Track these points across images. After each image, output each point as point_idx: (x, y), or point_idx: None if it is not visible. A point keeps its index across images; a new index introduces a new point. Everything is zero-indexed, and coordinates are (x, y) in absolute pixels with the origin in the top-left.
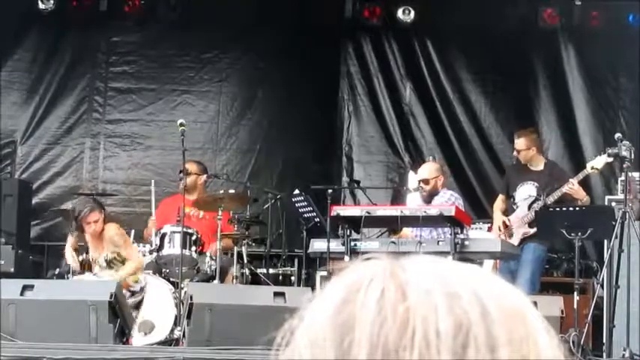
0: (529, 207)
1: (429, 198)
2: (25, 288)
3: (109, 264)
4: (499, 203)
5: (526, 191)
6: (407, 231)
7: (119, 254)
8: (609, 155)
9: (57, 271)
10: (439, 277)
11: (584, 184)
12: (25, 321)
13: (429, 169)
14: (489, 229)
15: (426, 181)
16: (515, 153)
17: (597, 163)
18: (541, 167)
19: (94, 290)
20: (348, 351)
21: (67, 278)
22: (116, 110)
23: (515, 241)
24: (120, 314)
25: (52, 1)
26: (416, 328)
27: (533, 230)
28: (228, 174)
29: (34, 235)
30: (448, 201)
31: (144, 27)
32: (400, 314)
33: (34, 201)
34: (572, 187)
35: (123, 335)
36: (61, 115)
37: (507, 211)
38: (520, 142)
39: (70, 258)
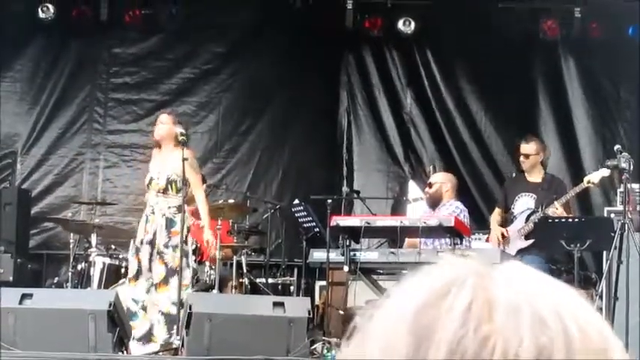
0: (527, 219)
1: (431, 203)
2: (24, 297)
3: (169, 185)
4: (496, 216)
5: (524, 203)
6: (414, 240)
7: (181, 180)
8: (608, 167)
9: (56, 280)
10: (528, 296)
11: (583, 195)
12: (24, 330)
13: (438, 174)
14: (487, 240)
15: (430, 185)
16: (521, 158)
17: (594, 177)
18: (539, 179)
19: (93, 299)
20: (424, 355)
21: (66, 287)
22: (116, 121)
23: (510, 252)
24: (119, 323)
25: (52, 11)
26: (496, 347)
27: (528, 243)
28: (227, 184)
29: (33, 244)
30: (453, 212)
31: (144, 37)
32: (483, 331)
33: (33, 210)
34: (556, 210)
35: (122, 344)
36: (62, 126)
37: (505, 224)
38: (530, 147)
39: None
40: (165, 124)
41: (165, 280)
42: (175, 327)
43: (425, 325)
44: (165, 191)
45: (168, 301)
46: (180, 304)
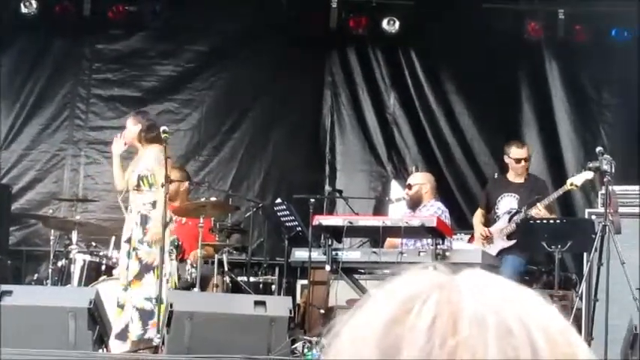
0: (510, 219)
1: (411, 204)
2: (3, 293)
3: (140, 181)
4: (478, 216)
5: (508, 204)
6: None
7: (152, 175)
8: (590, 169)
9: (35, 276)
10: (493, 306)
11: (564, 197)
12: (3, 327)
13: (416, 175)
14: (470, 240)
15: (409, 186)
16: (522, 163)
17: (577, 180)
18: (522, 180)
19: (73, 297)
20: None
21: (46, 284)
22: (98, 117)
23: (492, 251)
24: (99, 321)
25: (34, 5)
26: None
27: (511, 243)
28: (210, 182)
29: (13, 241)
30: (435, 213)
31: (128, 34)
32: (449, 345)
33: (13, 207)
34: (539, 212)
35: (101, 342)
36: (43, 121)
37: (488, 224)
38: (525, 151)
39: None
40: (127, 129)
41: (139, 276)
42: (150, 322)
43: (391, 343)
44: (138, 188)
45: (142, 296)
46: (159, 300)
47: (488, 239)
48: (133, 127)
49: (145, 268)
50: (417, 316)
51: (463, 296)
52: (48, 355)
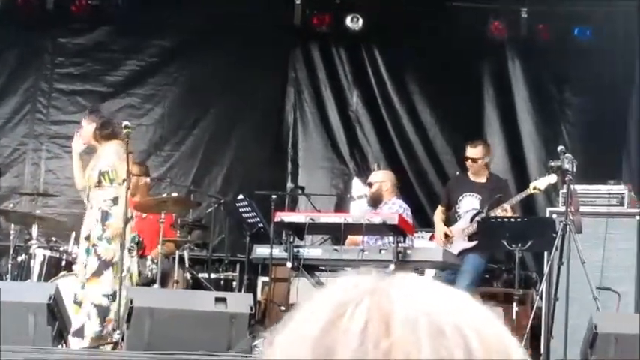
0: (471, 219)
1: (372, 202)
2: None
3: (101, 177)
4: (439, 214)
5: (469, 204)
6: (356, 238)
7: (114, 171)
8: (551, 168)
9: None
10: (424, 309)
11: (526, 197)
12: None
13: (377, 173)
14: (431, 238)
15: (370, 185)
16: (469, 163)
17: (540, 184)
18: (484, 180)
19: (32, 292)
20: None
21: (5, 279)
22: (60, 112)
23: (453, 251)
24: (58, 316)
25: None
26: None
27: (472, 244)
28: (171, 177)
29: None
30: (396, 211)
31: (91, 28)
32: (382, 348)
33: None
34: (506, 213)
35: (61, 338)
36: (4, 115)
37: (449, 222)
38: (477, 151)
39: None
40: (82, 129)
41: (97, 273)
42: (107, 318)
43: (326, 345)
44: (99, 184)
45: (100, 293)
46: (118, 296)
47: (449, 238)
48: (87, 126)
49: (104, 265)
50: (349, 319)
51: (394, 300)
52: (7, 350)
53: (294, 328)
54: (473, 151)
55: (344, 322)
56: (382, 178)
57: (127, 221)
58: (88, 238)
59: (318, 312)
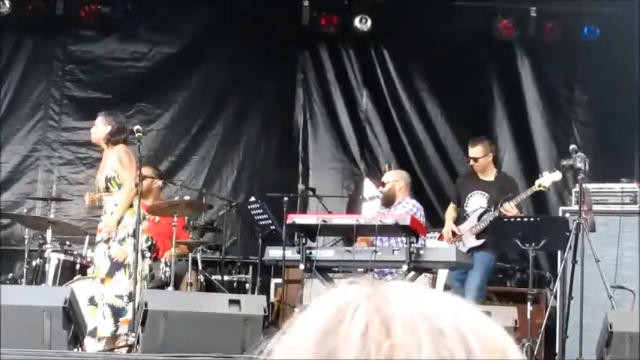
0: (479, 218)
1: (385, 202)
2: None
3: (108, 183)
4: (450, 211)
5: (477, 202)
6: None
7: (120, 176)
8: (564, 167)
9: (10, 275)
10: (423, 311)
11: (538, 195)
12: None
13: (390, 173)
14: (440, 238)
15: (382, 184)
16: (471, 162)
17: (545, 181)
18: (492, 178)
19: (47, 296)
20: None
21: (20, 283)
22: (72, 118)
23: (463, 250)
24: (74, 320)
25: (7, 4)
26: None
27: (480, 242)
28: (183, 181)
29: None
30: (410, 211)
31: (100, 35)
32: (385, 350)
33: None
34: (511, 210)
35: (77, 341)
36: (17, 122)
37: (459, 220)
38: (477, 150)
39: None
40: (95, 127)
41: (110, 274)
42: (121, 319)
43: (327, 352)
44: (107, 189)
45: (113, 294)
46: (133, 298)
47: (457, 237)
48: (102, 127)
49: (116, 266)
50: (349, 324)
51: (391, 303)
52: (23, 355)
53: (292, 337)
54: (473, 151)
55: (344, 328)
56: (395, 177)
57: (139, 223)
58: (105, 241)
59: (315, 320)
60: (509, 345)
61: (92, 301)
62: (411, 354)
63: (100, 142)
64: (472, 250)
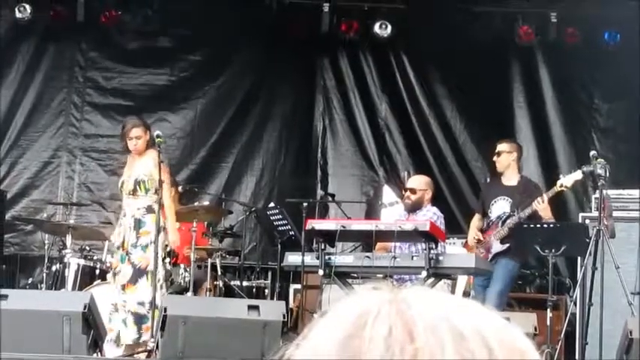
0: (502, 223)
1: (411, 208)
2: None
3: (137, 186)
4: (475, 221)
5: (500, 208)
6: (385, 243)
7: (150, 180)
8: (584, 173)
9: (30, 280)
10: (443, 314)
11: (556, 201)
12: None
13: (420, 180)
14: (465, 245)
15: (413, 191)
16: (494, 157)
17: (567, 181)
18: (515, 183)
19: (67, 301)
20: None
21: (40, 288)
22: (93, 125)
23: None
24: (93, 325)
25: (28, 10)
26: None
27: (504, 247)
28: (203, 187)
29: (8, 246)
30: (431, 218)
31: (122, 43)
32: (408, 353)
33: (8, 213)
34: (540, 204)
35: (96, 346)
36: (38, 129)
37: (484, 229)
38: (502, 145)
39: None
40: (140, 139)
41: (132, 280)
42: (144, 326)
43: (351, 356)
44: (134, 193)
45: (135, 301)
46: (153, 304)
47: (481, 243)
48: (145, 136)
49: (139, 273)
50: (372, 327)
51: (412, 307)
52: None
53: (315, 346)
54: (499, 146)
55: (367, 332)
56: (425, 185)
57: (159, 230)
58: (121, 245)
59: (337, 326)
60: (529, 347)
61: (115, 309)
62: (435, 355)
63: (143, 148)
64: (496, 255)
